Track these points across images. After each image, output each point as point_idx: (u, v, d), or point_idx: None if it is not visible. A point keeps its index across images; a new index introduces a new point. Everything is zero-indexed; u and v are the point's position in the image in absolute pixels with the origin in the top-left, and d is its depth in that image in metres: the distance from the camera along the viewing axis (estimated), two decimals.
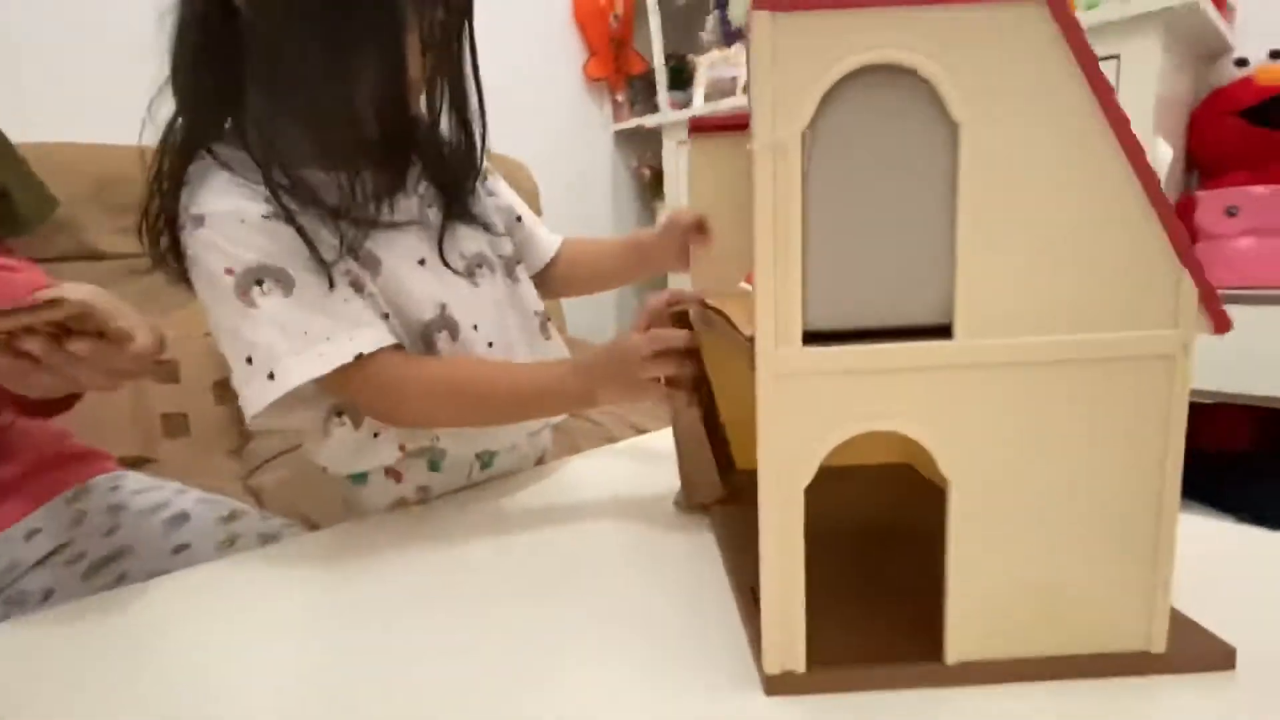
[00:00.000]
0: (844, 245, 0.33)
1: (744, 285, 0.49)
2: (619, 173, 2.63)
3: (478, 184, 0.70)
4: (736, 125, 0.59)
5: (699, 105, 2.21)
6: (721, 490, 0.57)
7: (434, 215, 0.67)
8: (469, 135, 0.66)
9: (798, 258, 0.33)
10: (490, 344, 0.66)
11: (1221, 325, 0.35)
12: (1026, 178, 0.33)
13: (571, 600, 0.47)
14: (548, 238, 0.82)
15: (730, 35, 2.28)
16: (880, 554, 0.49)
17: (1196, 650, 0.37)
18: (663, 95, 2.34)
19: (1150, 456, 0.35)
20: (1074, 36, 0.32)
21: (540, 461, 0.76)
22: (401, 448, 0.65)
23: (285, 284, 0.57)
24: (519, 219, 0.78)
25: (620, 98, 2.54)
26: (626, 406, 1.29)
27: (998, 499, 0.35)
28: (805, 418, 0.34)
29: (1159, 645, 0.36)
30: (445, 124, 0.64)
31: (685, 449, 0.59)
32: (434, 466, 0.69)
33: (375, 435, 0.64)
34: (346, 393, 0.61)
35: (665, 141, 2.29)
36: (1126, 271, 0.34)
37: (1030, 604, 0.36)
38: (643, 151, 2.59)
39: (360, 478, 0.68)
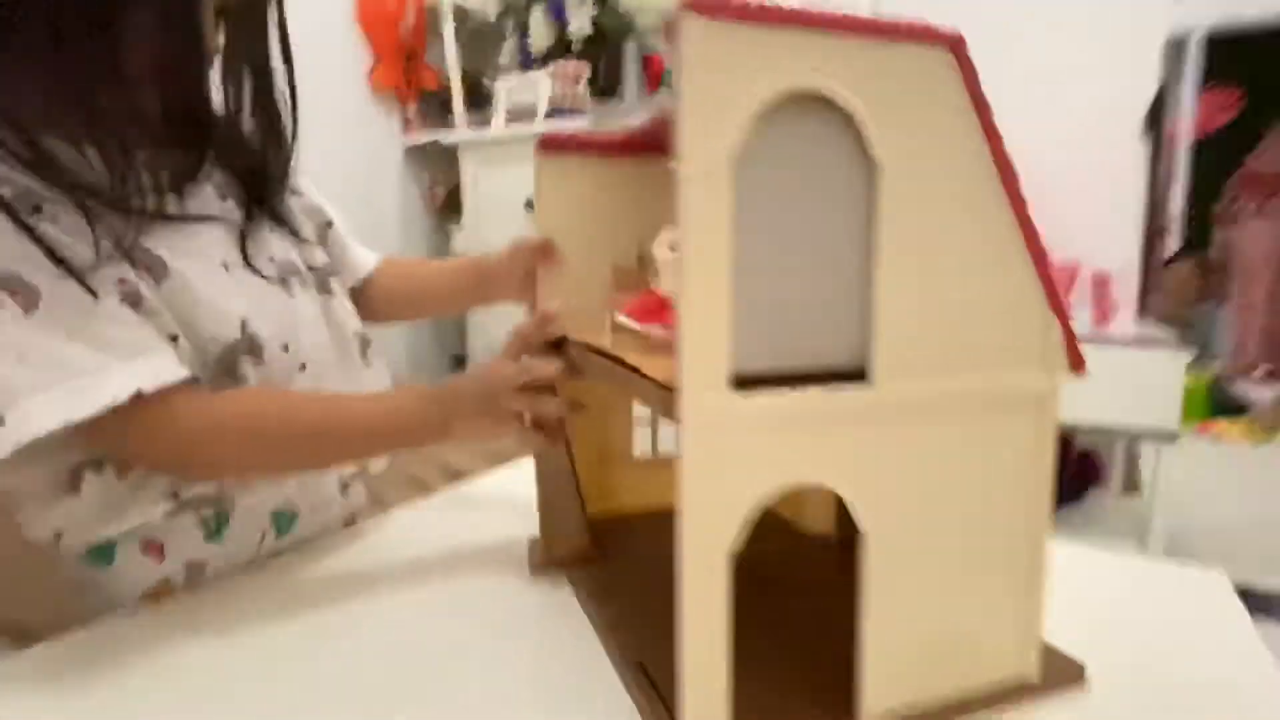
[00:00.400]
0: (769, 284, 0.31)
1: (622, 318, 0.44)
2: (408, 191, 2.47)
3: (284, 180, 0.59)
4: (590, 145, 0.55)
5: (499, 127, 2.15)
6: (586, 542, 0.52)
7: (233, 211, 0.54)
8: (274, 121, 0.54)
9: (728, 294, 0.29)
10: (304, 367, 0.55)
11: (1079, 366, 0.37)
12: (936, 222, 0.33)
13: (414, 699, 0.39)
14: (363, 252, 0.71)
15: (529, 61, 2.26)
16: (763, 605, 0.47)
17: (1056, 672, 0.39)
18: (459, 113, 2.24)
19: (1029, 492, 0.37)
20: (972, 83, 0.33)
21: (350, 522, 0.64)
22: (174, 496, 0.51)
23: (26, 296, 0.42)
24: (331, 225, 0.67)
25: (411, 113, 2.39)
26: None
27: (910, 548, 0.34)
28: (733, 471, 0.30)
29: (1035, 673, 0.38)
30: (247, 107, 0.53)
31: (549, 495, 0.53)
32: (213, 533, 0.54)
33: (138, 484, 0.50)
34: (119, 440, 0.47)
35: (462, 161, 2.19)
36: (1010, 316, 0.35)
37: (934, 649, 0.36)
38: (435, 170, 2.45)
39: (104, 555, 0.52)
